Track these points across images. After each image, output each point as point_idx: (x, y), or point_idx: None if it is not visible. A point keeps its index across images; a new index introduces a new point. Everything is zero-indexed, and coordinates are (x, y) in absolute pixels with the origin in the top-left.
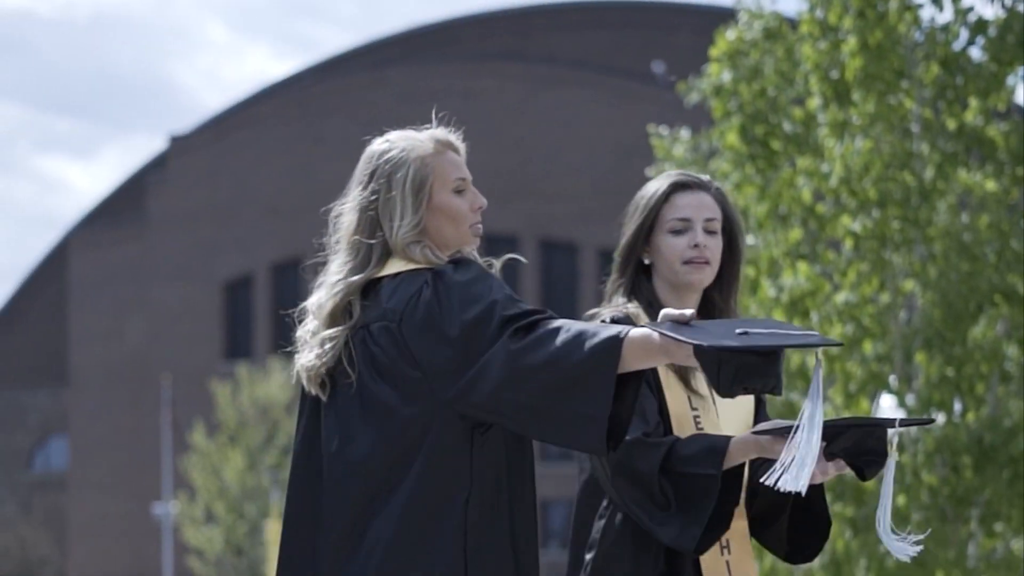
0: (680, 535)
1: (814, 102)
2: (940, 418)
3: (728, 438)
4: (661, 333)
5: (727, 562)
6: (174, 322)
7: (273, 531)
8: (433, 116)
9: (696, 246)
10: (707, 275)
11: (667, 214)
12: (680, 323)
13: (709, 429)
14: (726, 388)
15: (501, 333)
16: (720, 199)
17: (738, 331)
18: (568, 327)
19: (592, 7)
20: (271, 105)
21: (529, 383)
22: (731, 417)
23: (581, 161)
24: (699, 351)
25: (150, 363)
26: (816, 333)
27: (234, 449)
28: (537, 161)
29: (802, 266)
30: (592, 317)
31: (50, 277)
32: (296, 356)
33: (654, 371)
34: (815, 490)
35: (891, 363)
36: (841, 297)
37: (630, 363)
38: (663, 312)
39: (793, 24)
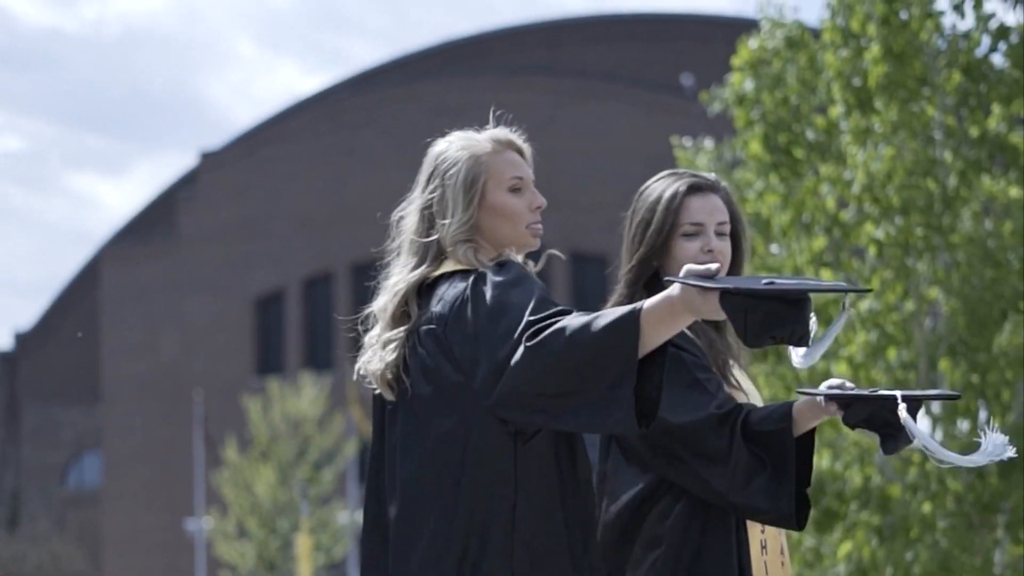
0: (774, 500)
1: (836, 110)
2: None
3: (789, 404)
4: (685, 283)
5: (765, 563)
6: (206, 337)
7: (304, 546)
8: (491, 117)
9: (710, 251)
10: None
11: (682, 218)
12: (705, 277)
13: None
14: (753, 337)
15: (524, 335)
16: (727, 200)
17: (764, 282)
18: (586, 314)
19: (622, 20)
20: (302, 120)
21: (551, 373)
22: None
23: (611, 173)
24: (725, 298)
25: (182, 378)
26: (845, 283)
27: (266, 464)
28: (567, 173)
29: (826, 274)
30: None
31: (83, 293)
32: (362, 359)
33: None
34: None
35: (916, 370)
36: (865, 304)
37: (652, 333)
38: (686, 267)
39: (815, 33)
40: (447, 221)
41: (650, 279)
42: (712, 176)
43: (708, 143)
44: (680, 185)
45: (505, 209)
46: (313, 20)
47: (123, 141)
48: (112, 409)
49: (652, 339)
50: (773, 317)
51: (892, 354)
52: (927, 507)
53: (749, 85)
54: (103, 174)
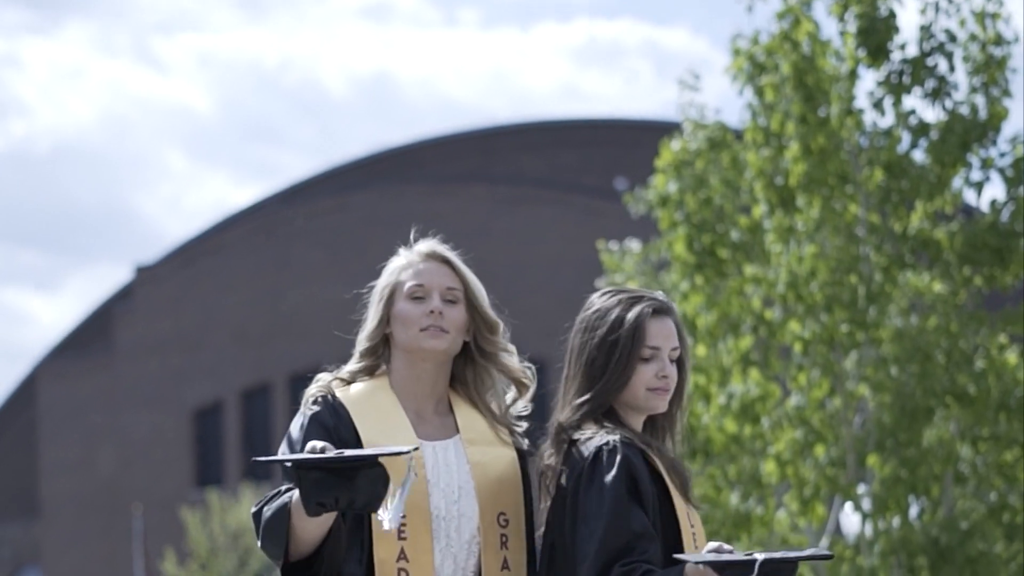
0: None
1: (760, 209)
2: (895, 521)
3: (681, 567)
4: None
5: None
6: (144, 450)
7: None
8: (413, 232)
9: (664, 376)
10: (666, 402)
11: (644, 342)
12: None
13: (700, 542)
14: (304, 504)
15: None
16: (678, 323)
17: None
18: None
19: (554, 126)
20: (236, 232)
21: None
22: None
23: (545, 279)
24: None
25: (121, 492)
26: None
27: None
28: (502, 280)
29: (752, 372)
30: (585, 442)
31: (19, 409)
32: None
33: (665, 493)
34: None
35: (844, 467)
36: (792, 401)
37: None
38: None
39: (738, 134)
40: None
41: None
42: (664, 297)
43: (634, 245)
44: (644, 307)
45: (399, 315)
46: (241, 133)
47: (55, 256)
48: (51, 525)
49: None
50: (318, 485)
51: (820, 451)
52: None
53: (672, 186)
54: (36, 289)
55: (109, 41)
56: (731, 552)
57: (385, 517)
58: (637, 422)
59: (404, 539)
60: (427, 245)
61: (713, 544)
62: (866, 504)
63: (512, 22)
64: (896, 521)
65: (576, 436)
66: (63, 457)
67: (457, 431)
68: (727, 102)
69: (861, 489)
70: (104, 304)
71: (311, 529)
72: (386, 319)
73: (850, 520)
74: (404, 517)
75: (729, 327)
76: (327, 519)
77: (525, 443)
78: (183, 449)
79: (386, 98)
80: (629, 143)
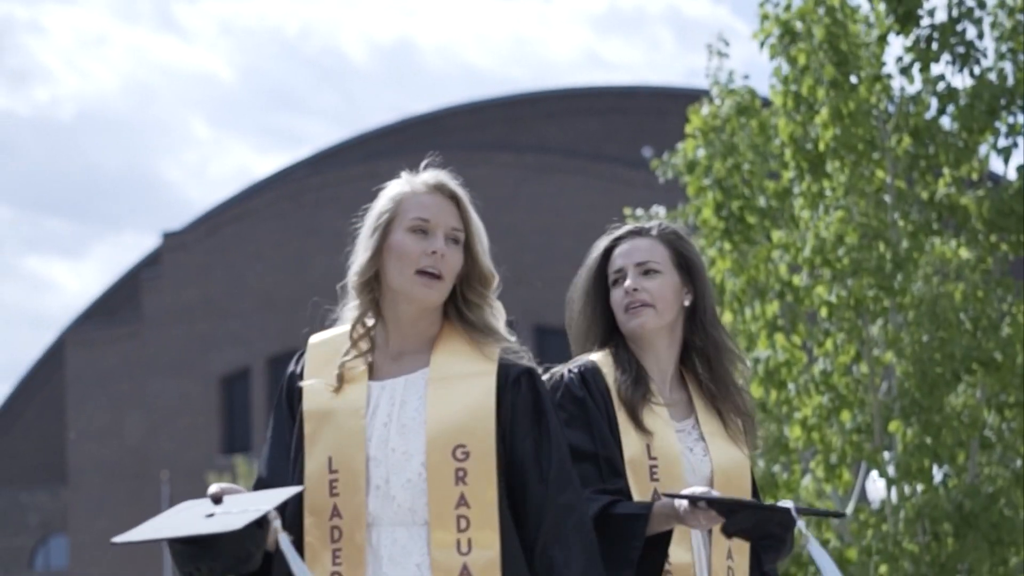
0: None
1: (788, 174)
2: (920, 487)
3: (651, 503)
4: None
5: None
6: (172, 418)
7: None
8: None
9: (629, 291)
10: (649, 318)
11: (608, 271)
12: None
13: (665, 481)
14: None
15: None
16: (666, 239)
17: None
18: None
19: (581, 94)
20: (263, 199)
21: None
22: (702, 472)
23: (573, 247)
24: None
25: (148, 459)
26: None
27: None
28: (529, 248)
29: (778, 337)
30: (554, 372)
31: (47, 376)
32: None
33: (613, 417)
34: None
35: (870, 434)
36: (818, 367)
37: None
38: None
39: (765, 101)
40: (351, 264)
41: (602, 333)
42: (646, 224)
43: (661, 211)
44: (604, 240)
45: (396, 247)
46: (263, 100)
47: (80, 223)
48: (78, 492)
49: None
50: (181, 556)
51: (846, 416)
52: (884, 569)
53: (701, 152)
54: (61, 256)
55: (132, 8)
56: (717, 495)
57: None
58: (649, 347)
59: (336, 495)
60: (434, 175)
61: (699, 489)
62: (891, 470)
63: None
64: (920, 487)
65: (558, 367)
66: (90, 424)
67: (427, 365)
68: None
69: (886, 456)
70: (131, 271)
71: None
72: (380, 251)
73: (876, 486)
74: (336, 472)
75: (756, 293)
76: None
77: (524, 362)
78: (210, 416)
79: (407, 65)
80: (653, 111)
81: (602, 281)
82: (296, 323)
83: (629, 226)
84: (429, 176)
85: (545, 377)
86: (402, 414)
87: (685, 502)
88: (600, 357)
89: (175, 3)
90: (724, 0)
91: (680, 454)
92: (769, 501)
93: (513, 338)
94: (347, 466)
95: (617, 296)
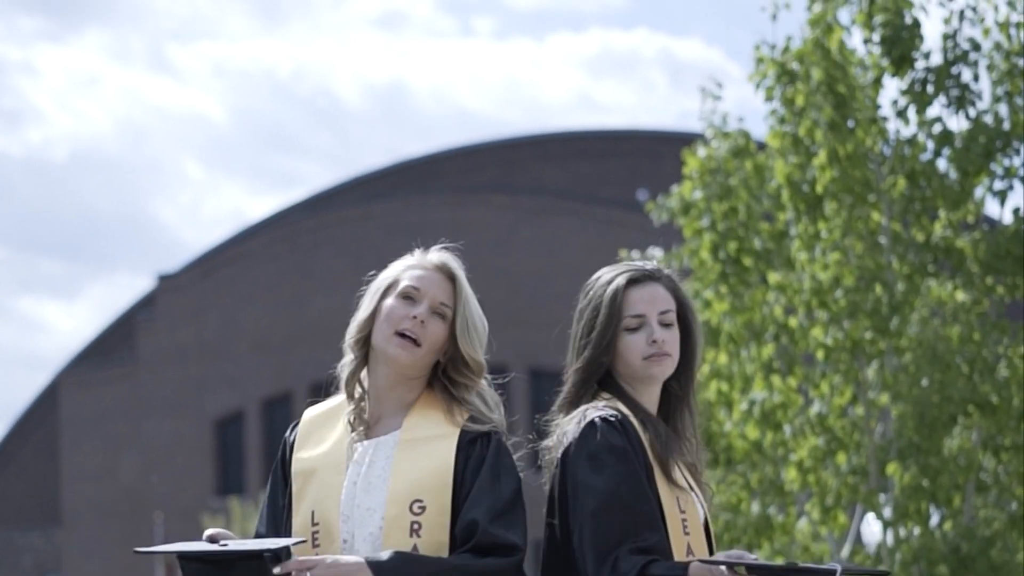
0: None
1: (785, 216)
2: (915, 529)
3: (687, 564)
4: None
5: None
6: (166, 459)
7: None
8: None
9: (655, 341)
10: (667, 367)
11: (624, 312)
12: None
13: (694, 535)
14: None
15: None
16: (672, 287)
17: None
18: None
19: (576, 137)
20: (258, 241)
21: None
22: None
23: (567, 289)
24: None
25: (143, 500)
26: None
27: None
28: (524, 291)
29: (774, 379)
30: (576, 418)
31: (41, 417)
32: None
33: (649, 471)
34: None
35: (866, 476)
36: (814, 409)
37: None
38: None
39: (759, 145)
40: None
41: (602, 377)
42: (652, 264)
43: (657, 252)
44: (620, 279)
45: (383, 310)
46: (256, 141)
47: (73, 264)
48: (72, 533)
49: None
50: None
51: (842, 459)
52: None
53: (697, 194)
54: (54, 297)
55: (125, 48)
56: (754, 559)
57: None
58: (647, 394)
59: (318, 546)
60: (441, 257)
61: (734, 552)
62: (887, 512)
63: (526, 32)
64: (917, 530)
65: (570, 413)
66: (85, 465)
67: (399, 428)
68: (745, 111)
69: (882, 498)
70: (126, 313)
71: None
72: (375, 313)
73: (871, 529)
74: (316, 524)
75: (752, 335)
76: None
77: (485, 427)
78: (204, 457)
79: (400, 107)
80: (648, 154)
81: (617, 322)
82: (291, 365)
83: (640, 266)
84: (435, 255)
85: (575, 422)
86: (369, 473)
87: (724, 568)
88: (615, 407)
89: (168, 44)
90: (718, 43)
91: (700, 508)
92: (764, 553)
93: (498, 418)
94: (325, 518)
95: (637, 343)
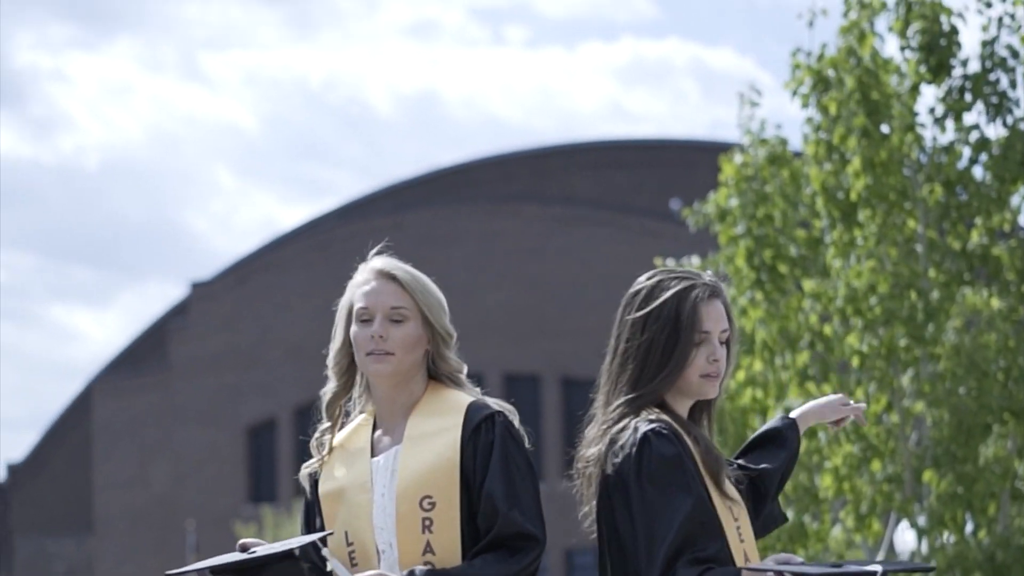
0: None
1: (820, 223)
2: (950, 537)
3: (740, 569)
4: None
5: None
6: (198, 467)
7: None
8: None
9: (716, 360)
10: (717, 387)
11: (696, 328)
12: None
13: (745, 538)
14: None
15: None
16: (728, 306)
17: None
18: None
19: (610, 147)
20: (291, 250)
21: None
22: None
23: (600, 299)
24: None
25: (175, 508)
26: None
27: None
28: (556, 300)
29: (809, 386)
30: (622, 429)
31: (74, 425)
32: None
33: (702, 482)
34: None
35: (901, 484)
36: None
37: None
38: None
39: (795, 154)
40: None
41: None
42: (711, 277)
43: (693, 260)
44: (699, 292)
45: (352, 339)
46: (287, 150)
47: (105, 272)
48: (104, 540)
49: None
50: None
51: (877, 466)
52: None
53: (733, 201)
54: (86, 305)
55: (156, 57)
56: (801, 562)
57: None
58: (683, 407)
59: (355, 565)
60: (377, 261)
61: (782, 555)
62: (921, 520)
63: (558, 41)
64: (952, 538)
65: (623, 423)
66: (117, 473)
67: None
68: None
69: (916, 507)
70: (159, 320)
71: None
72: (347, 341)
73: (905, 537)
74: (352, 544)
75: (787, 342)
76: None
77: (487, 409)
78: (237, 465)
79: (432, 116)
80: (681, 164)
81: (692, 338)
82: (323, 373)
83: (705, 279)
84: (375, 262)
85: (626, 434)
86: (392, 481)
87: (772, 573)
88: (663, 419)
89: (200, 53)
90: (749, 52)
91: (746, 515)
92: (852, 560)
93: (476, 388)
94: (359, 537)
95: (700, 360)
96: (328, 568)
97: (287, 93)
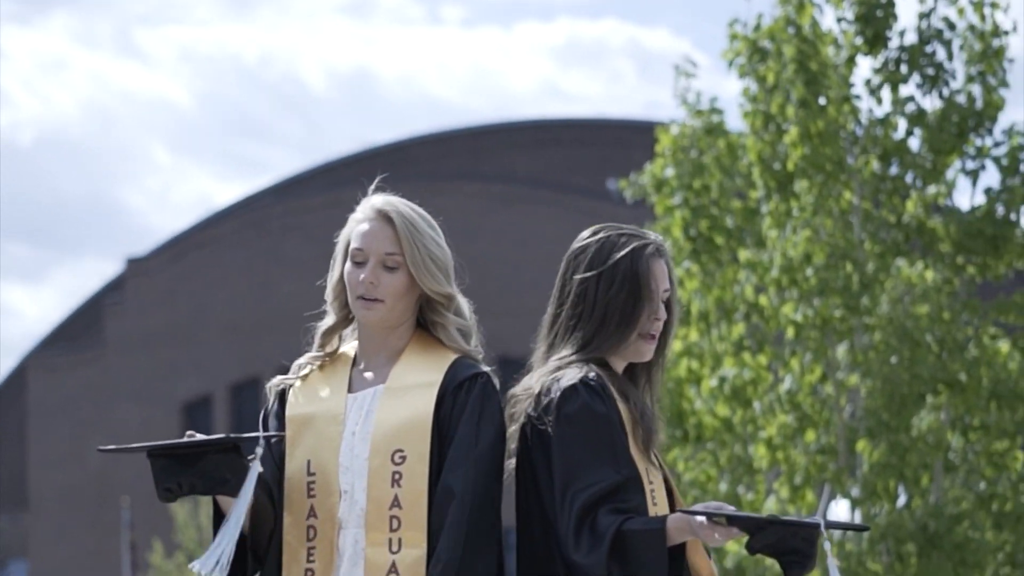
0: None
1: (756, 194)
2: (884, 505)
3: (664, 517)
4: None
5: None
6: (134, 443)
7: None
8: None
9: (657, 319)
10: (652, 350)
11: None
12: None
13: (658, 502)
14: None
15: None
16: (669, 263)
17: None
18: None
19: (547, 126)
20: (227, 227)
21: None
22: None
23: (538, 278)
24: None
25: (110, 485)
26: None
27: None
28: (494, 279)
29: (745, 356)
30: (557, 379)
31: (8, 402)
32: None
33: (625, 438)
34: None
35: (835, 455)
36: (784, 386)
37: None
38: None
39: (732, 132)
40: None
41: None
42: (657, 236)
43: None
44: (651, 250)
45: (344, 277)
46: (223, 127)
47: (40, 248)
48: (39, 518)
49: None
50: (164, 471)
51: (811, 436)
52: None
53: (670, 172)
54: (21, 282)
55: (92, 32)
56: (734, 510)
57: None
58: (618, 367)
59: (313, 496)
60: (378, 199)
61: (713, 504)
62: (855, 491)
63: (494, 21)
64: (885, 508)
65: (558, 373)
66: (52, 450)
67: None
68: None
69: (851, 479)
70: (94, 297)
71: (228, 504)
72: (342, 277)
73: (838, 508)
74: (313, 474)
75: (723, 313)
76: (244, 496)
77: (473, 369)
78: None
79: (368, 95)
80: (617, 143)
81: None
82: (260, 351)
83: (654, 239)
84: (376, 200)
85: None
86: (366, 422)
87: (703, 518)
88: (595, 372)
89: (135, 28)
90: (685, 33)
91: (662, 481)
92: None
93: (480, 355)
94: (323, 469)
95: (641, 319)
96: (250, 467)
97: (222, 70)
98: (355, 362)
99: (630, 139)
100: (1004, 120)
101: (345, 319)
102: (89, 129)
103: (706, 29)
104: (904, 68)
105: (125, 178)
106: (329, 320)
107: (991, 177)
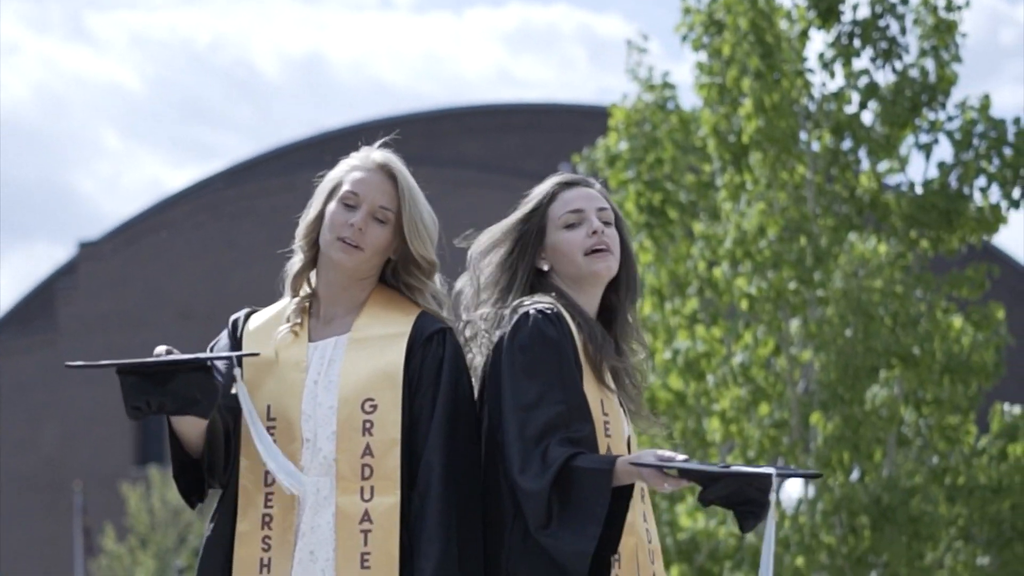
0: (576, 538)
1: (710, 167)
2: (837, 478)
3: (614, 459)
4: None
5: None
6: (87, 427)
7: None
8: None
9: (595, 233)
10: (612, 263)
11: (557, 211)
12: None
13: (615, 438)
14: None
15: None
16: (605, 194)
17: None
18: None
19: (499, 111)
20: (179, 211)
21: None
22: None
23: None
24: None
25: (63, 470)
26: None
27: (145, 552)
28: (447, 263)
29: (698, 329)
30: (514, 311)
31: None
32: None
33: (579, 366)
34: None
35: (788, 428)
36: (737, 359)
37: None
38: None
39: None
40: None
41: (540, 280)
42: (583, 177)
43: None
44: (551, 182)
45: (327, 215)
46: (174, 112)
47: None
48: None
49: None
50: (133, 389)
51: (764, 410)
52: (800, 561)
53: (623, 145)
54: None
55: (43, 17)
56: (685, 460)
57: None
58: (587, 298)
59: (274, 442)
60: (383, 155)
61: (665, 453)
62: (809, 464)
63: (445, 6)
64: (838, 480)
65: (513, 304)
66: (5, 434)
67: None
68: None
69: (804, 453)
70: (46, 280)
71: (186, 431)
72: (321, 216)
73: (792, 481)
74: (273, 419)
75: (676, 287)
76: (198, 423)
77: (439, 324)
78: (125, 426)
79: (319, 80)
80: (570, 128)
81: (543, 224)
82: (212, 334)
83: (570, 176)
84: (378, 154)
85: (507, 312)
86: (329, 371)
87: (652, 468)
88: (551, 302)
89: (86, 12)
90: (637, 18)
91: (621, 413)
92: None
93: (447, 316)
94: (284, 415)
95: (576, 237)
96: (233, 390)
97: (173, 54)
98: (310, 311)
99: (582, 124)
100: (957, 94)
101: (312, 260)
102: (40, 114)
103: (658, 15)
104: (857, 42)
105: (77, 163)
106: (297, 261)
107: (944, 151)
